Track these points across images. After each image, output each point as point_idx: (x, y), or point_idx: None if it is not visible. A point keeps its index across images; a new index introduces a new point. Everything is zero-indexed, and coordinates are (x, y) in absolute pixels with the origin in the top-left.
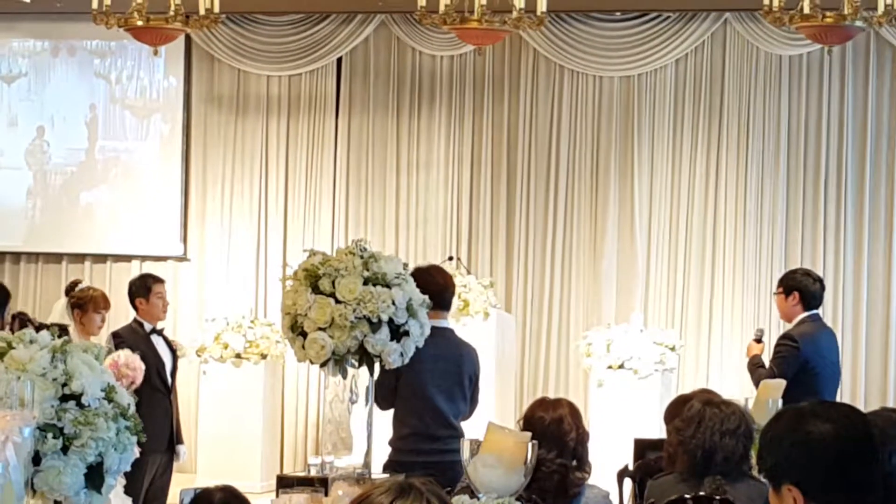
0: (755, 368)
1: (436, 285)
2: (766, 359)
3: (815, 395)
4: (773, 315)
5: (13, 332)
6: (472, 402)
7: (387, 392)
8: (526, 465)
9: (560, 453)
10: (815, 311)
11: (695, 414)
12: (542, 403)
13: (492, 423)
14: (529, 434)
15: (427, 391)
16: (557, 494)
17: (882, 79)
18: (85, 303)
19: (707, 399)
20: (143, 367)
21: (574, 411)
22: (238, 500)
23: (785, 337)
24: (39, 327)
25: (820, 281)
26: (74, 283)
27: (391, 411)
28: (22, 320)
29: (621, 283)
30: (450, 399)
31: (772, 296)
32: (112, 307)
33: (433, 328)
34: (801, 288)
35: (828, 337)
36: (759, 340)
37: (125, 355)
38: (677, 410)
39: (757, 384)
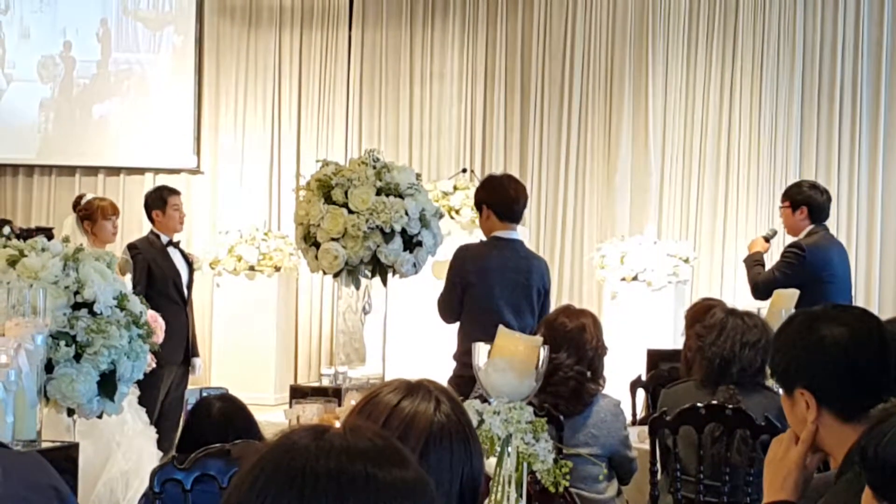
0: (753, 264)
1: (506, 195)
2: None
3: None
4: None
5: None
6: (542, 316)
7: (454, 305)
8: (537, 370)
9: (578, 360)
10: (822, 224)
11: (717, 322)
12: (567, 310)
13: (503, 327)
14: (540, 339)
15: (494, 304)
16: (571, 402)
17: None
18: (93, 212)
19: (731, 309)
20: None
21: (596, 323)
22: (237, 409)
23: (793, 245)
24: (20, 234)
25: (826, 193)
26: (80, 198)
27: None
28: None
29: (635, 196)
30: (517, 313)
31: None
32: (126, 220)
33: (502, 240)
34: (809, 202)
35: (838, 249)
36: (767, 240)
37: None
38: (700, 315)
39: (751, 280)
